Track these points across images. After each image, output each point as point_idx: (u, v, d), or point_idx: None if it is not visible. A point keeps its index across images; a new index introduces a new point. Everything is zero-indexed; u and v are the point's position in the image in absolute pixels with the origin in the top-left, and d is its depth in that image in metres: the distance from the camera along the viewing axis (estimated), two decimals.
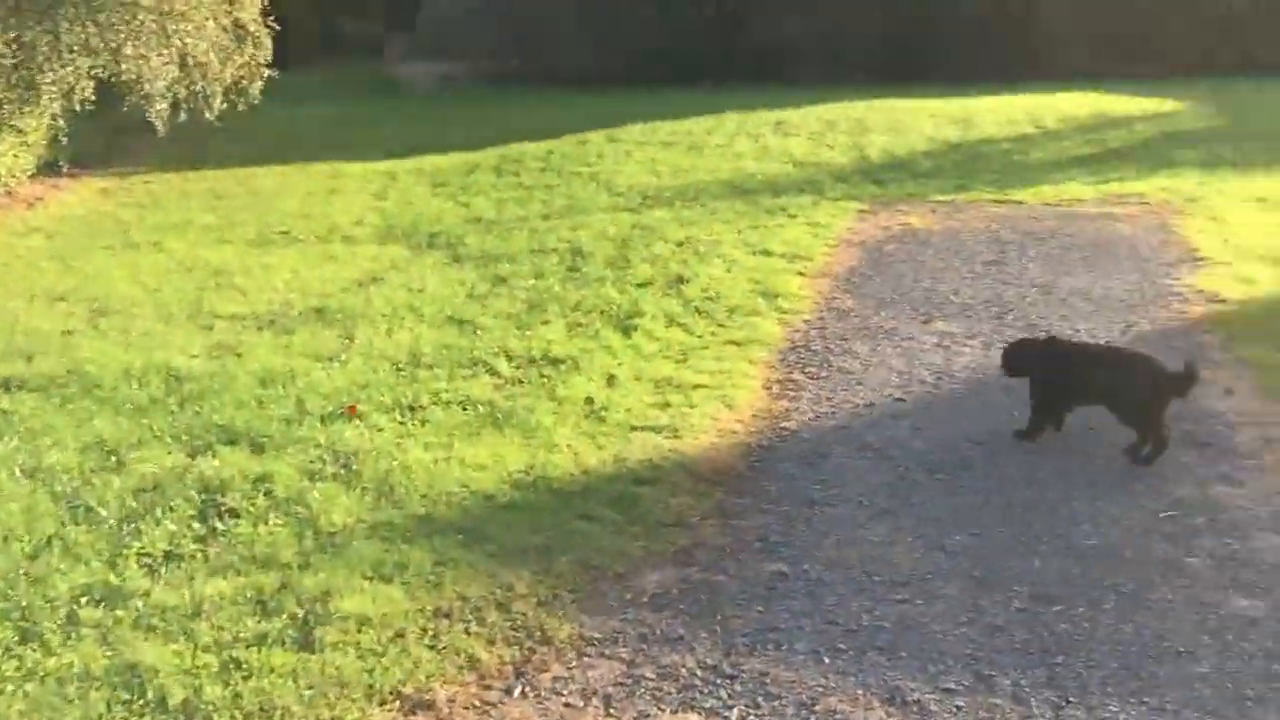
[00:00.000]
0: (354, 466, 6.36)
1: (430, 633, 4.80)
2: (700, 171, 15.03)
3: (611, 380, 7.73)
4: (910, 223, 12.19)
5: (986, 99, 19.04)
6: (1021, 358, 6.89)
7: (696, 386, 7.63)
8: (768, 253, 10.96)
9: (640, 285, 9.97)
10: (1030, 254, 10.74)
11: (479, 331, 8.83)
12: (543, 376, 7.81)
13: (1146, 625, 4.83)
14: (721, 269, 10.40)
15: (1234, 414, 6.98)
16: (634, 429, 6.94)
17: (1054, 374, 6.66)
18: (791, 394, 7.59)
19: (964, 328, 8.78)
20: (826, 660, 4.64)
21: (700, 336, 8.69)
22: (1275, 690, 4.40)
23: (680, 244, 11.32)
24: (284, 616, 4.89)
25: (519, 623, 4.89)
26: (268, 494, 6.03)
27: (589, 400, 7.35)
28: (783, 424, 7.09)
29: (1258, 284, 9.42)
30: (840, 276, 10.29)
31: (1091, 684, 4.44)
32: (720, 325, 8.94)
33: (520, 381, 7.75)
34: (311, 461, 6.44)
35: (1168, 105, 18.31)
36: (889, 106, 18.51)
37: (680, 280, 10.03)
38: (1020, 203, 12.93)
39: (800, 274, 10.34)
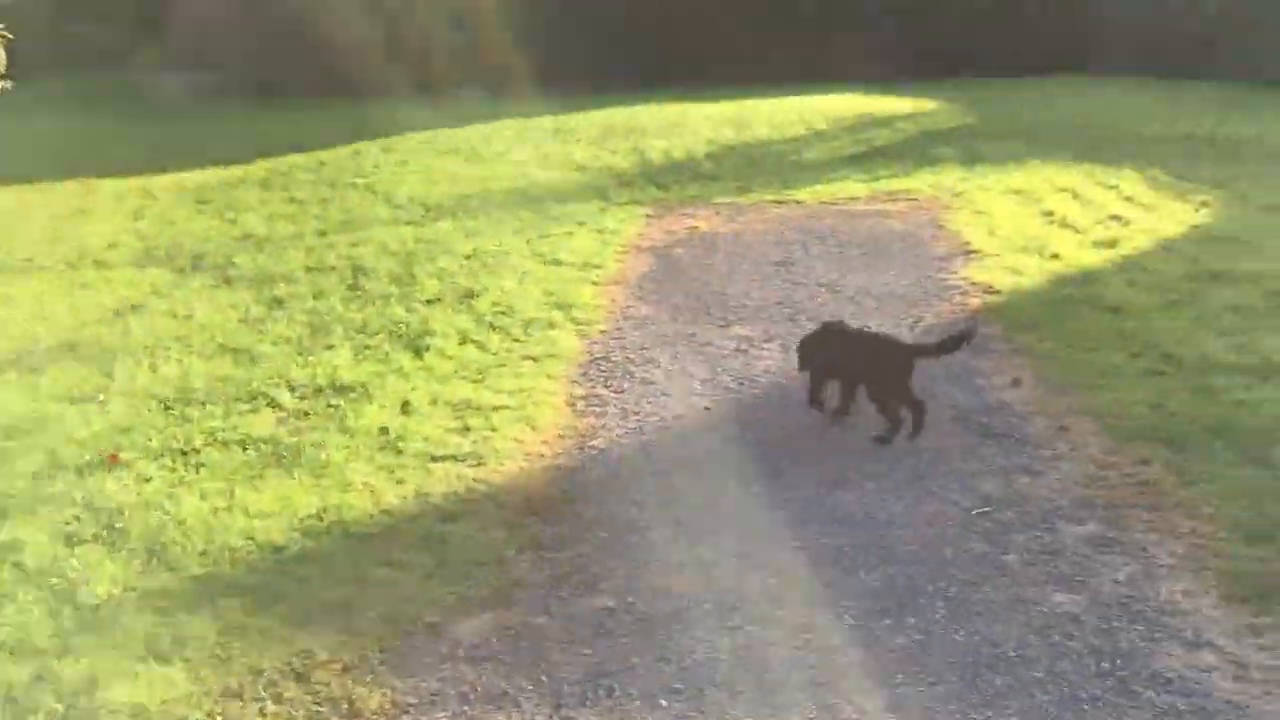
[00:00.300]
0: (119, 525, 5.61)
1: (219, 718, 4.19)
2: (482, 180, 14.52)
3: (406, 407, 7.19)
4: (697, 226, 12.06)
5: (762, 101, 19.27)
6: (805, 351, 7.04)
7: (497, 408, 7.18)
8: (559, 262, 10.59)
9: (429, 302, 9.42)
10: (814, 253, 10.76)
11: (256, 360, 8.10)
12: (331, 407, 7.19)
13: (977, 631, 4.71)
14: (513, 281, 9.95)
15: (1023, 404, 7.05)
16: (435, 459, 6.44)
17: (826, 357, 6.93)
18: (597, 410, 7.23)
19: (760, 331, 8.64)
20: (664, 703, 4.30)
21: (496, 353, 8.23)
22: (1108, 689, 4.33)
23: (468, 257, 10.81)
24: (40, 715, 4.17)
25: (322, 694, 4.33)
26: (15, 565, 5.23)
27: (384, 430, 6.79)
28: (591, 443, 6.72)
29: (1025, 274, 9.67)
30: (633, 284, 10.02)
31: (934, 703, 4.26)
32: (516, 340, 8.51)
33: (306, 414, 7.11)
34: (67, 522, 5.65)
35: (926, 105, 18.97)
36: (665, 110, 18.47)
37: (471, 295, 9.53)
38: (799, 202, 13.02)
39: (594, 283, 10.01)
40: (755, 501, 5.95)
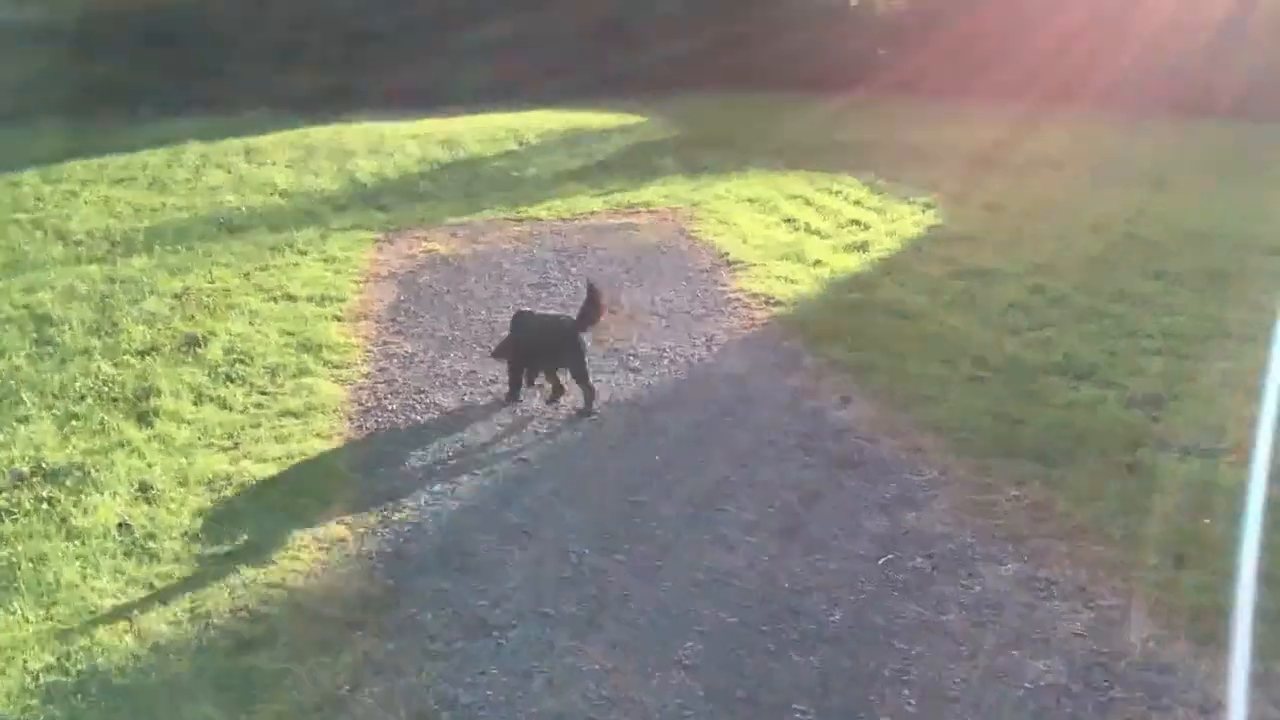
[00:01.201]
0: None
1: None
2: (172, 210, 12.43)
3: (146, 492, 5.50)
4: (436, 248, 10.71)
5: (463, 119, 18.03)
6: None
7: (267, 483, 5.64)
8: (291, 297, 8.96)
9: (142, 354, 7.59)
10: (574, 271, 9.70)
11: None
12: (43, 501, 5.38)
13: None
14: (242, 323, 8.26)
15: (863, 424, 6.33)
16: (203, 561, 4.86)
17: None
18: (391, 473, 5.83)
19: None
20: None
21: (245, 411, 6.63)
22: None
23: (179, 296, 8.96)
24: None
25: None
26: None
27: (123, 527, 5.11)
28: (398, 516, 5.34)
29: (799, 282, 9.08)
30: (384, 317, 8.58)
31: None
32: (264, 393, 6.92)
33: (11, 513, 5.28)
34: None
35: (633, 119, 18.41)
36: (364, 130, 16.84)
37: (194, 342, 7.77)
38: (538, 219, 11.94)
39: (337, 318, 8.49)
40: (623, 571, 4.80)
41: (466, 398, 6.85)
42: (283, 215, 12.10)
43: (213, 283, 9.44)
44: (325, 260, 10.23)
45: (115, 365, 7.32)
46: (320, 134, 16.39)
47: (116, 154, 15.39)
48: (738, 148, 15.79)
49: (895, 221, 11.22)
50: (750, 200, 12.49)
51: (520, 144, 16.16)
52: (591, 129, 17.48)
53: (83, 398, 6.76)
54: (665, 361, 7.29)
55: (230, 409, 6.64)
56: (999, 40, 19.74)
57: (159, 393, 6.79)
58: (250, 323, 8.27)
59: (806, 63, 21.63)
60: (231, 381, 7.04)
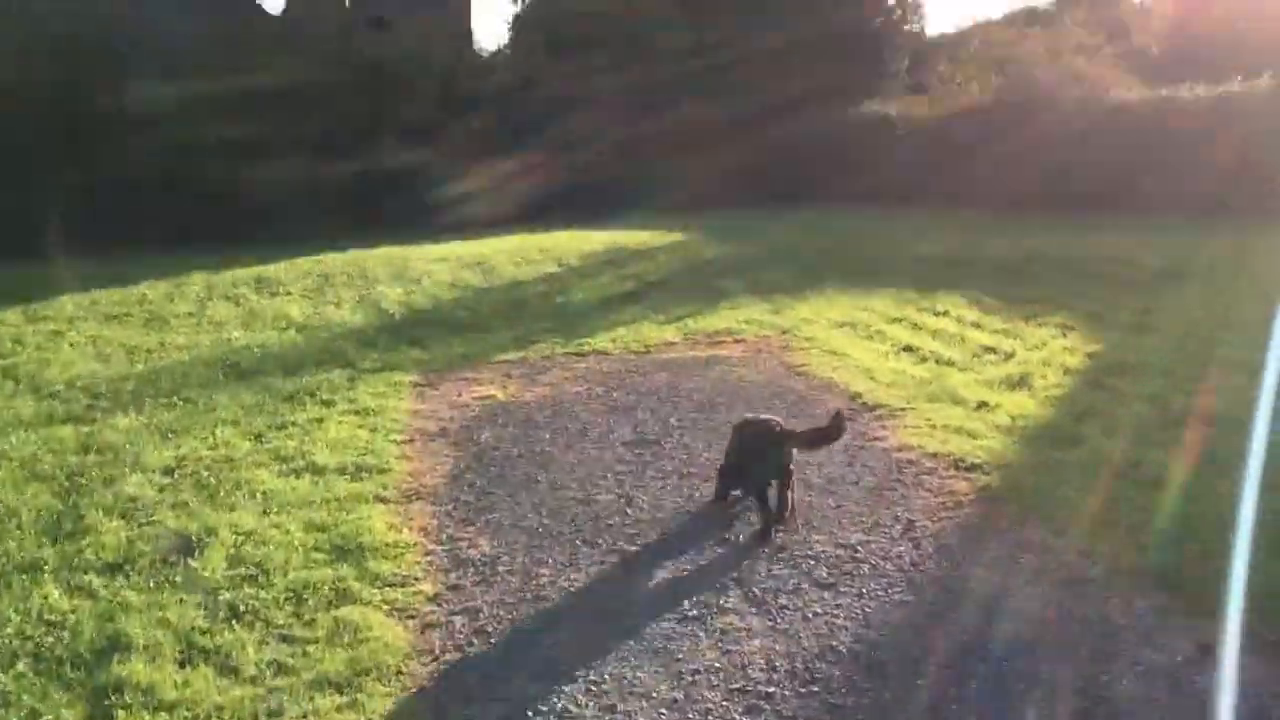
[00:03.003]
0: None
1: None
2: (171, 351, 10.03)
3: None
4: (491, 394, 8.30)
5: (489, 241, 15.85)
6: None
7: None
8: (317, 468, 6.49)
9: (113, 568, 5.10)
10: (674, 423, 7.30)
11: None
12: None
13: None
14: (254, 512, 5.77)
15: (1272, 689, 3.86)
16: None
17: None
18: None
19: (691, 565, 5.03)
20: None
21: (258, 680, 4.10)
22: None
23: (170, 471, 6.51)
24: None
25: None
26: None
27: None
28: None
29: (979, 435, 6.64)
30: (444, 495, 6.10)
31: None
32: (287, 638, 4.39)
33: None
34: None
35: (673, 236, 16.26)
36: (384, 254, 14.61)
37: (186, 549, 5.29)
38: (604, 353, 9.57)
39: (381, 499, 6.01)
40: None
41: (585, 635, 4.34)
42: (300, 355, 9.71)
43: (215, 449, 6.97)
44: (357, 413, 7.80)
45: (69, 594, 4.82)
46: (336, 260, 14.14)
47: (114, 287, 13.13)
48: (802, 264, 13.61)
49: (1039, 348, 8.88)
50: (848, 325, 10.18)
51: (560, 265, 13.92)
52: (631, 247, 15.30)
53: (12, 662, 4.23)
54: (865, 569, 4.80)
55: (236, 674, 4.11)
56: (1059, 151, 17.81)
57: (127, 648, 4.27)
58: (265, 511, 5.78)
59: (855, 175, 19.74)
60: (237, 619, 4.53)
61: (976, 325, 9.91)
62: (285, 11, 23.73)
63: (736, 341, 9.74)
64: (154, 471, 6.51)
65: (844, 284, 12.12)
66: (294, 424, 7.48)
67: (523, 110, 21.86)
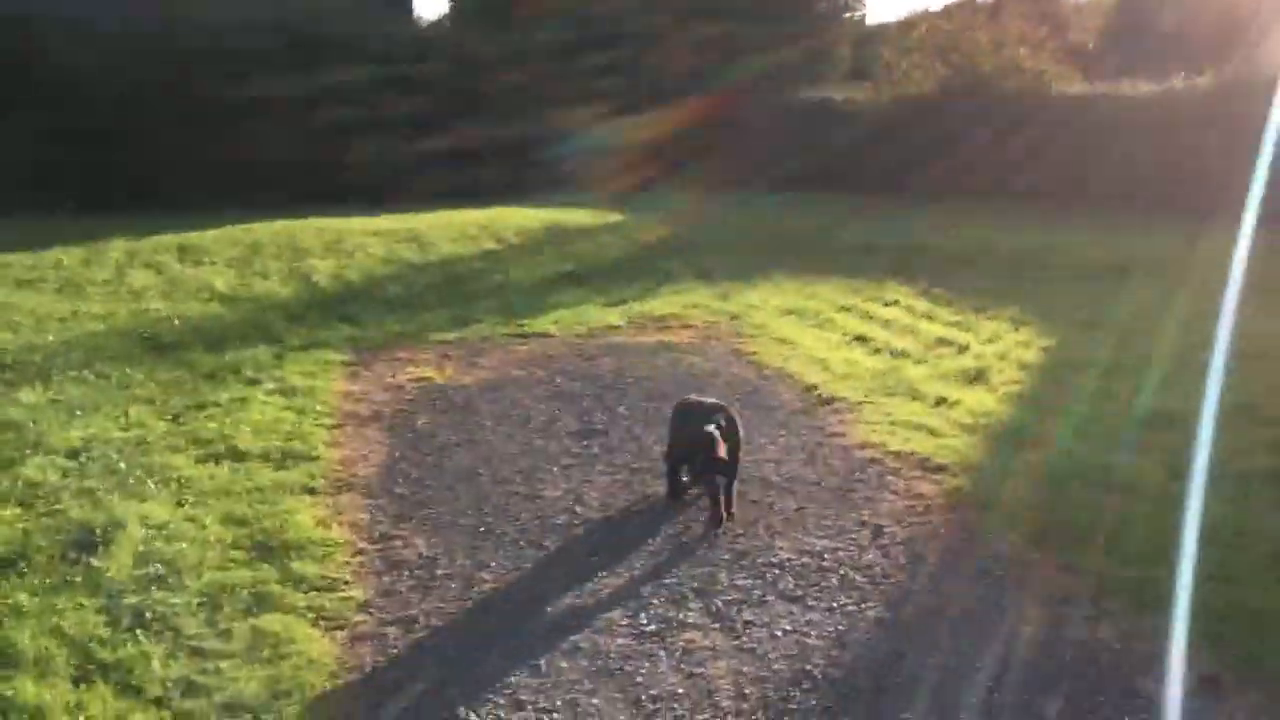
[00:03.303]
0: None
1: None
2: (85, 320, 9.33)
3: None
4: (428, 376, 7.80)
5: (427, 215, 15.21)
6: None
7: None
8: (239, 454, 5.95)
9: (3, 565, 4.54)
10: (621, 412, 6.88)
11: None
12: None
13: None
14: (166, 503, 5.24)
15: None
16: None
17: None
18: None
19: (647, 567, 4.62)
20: None
21: (163, 702, 3.61)
22: None
23: (77, 455, 5.91)
24: None
25: None
26: None
27: None
28: None
29: (941, 432, 6.31)
30: (376, 487, 5.62)
31: None
32: (198, 651, 3.89)
33: None
34: None
35: (612, 216, 15.79)
36: (317, 225, 13.90)
37: (88, 541, 4.72)
38: (546, 334, 9.11)
39: (309, 490, 5.50)
40: None
41: (536, 657, 3.92)
42: (224, 328, 9.09)
43: (127, 429, 6.39)
44: (283, 393, 7.25)
45: None
46: (266, 230, 13.43)
47: (27, 250, 12.29)
48: (747, 250, 13.24)
49: (993, 342, 8.63)
50: (795, 313, 9.85)
51: (498, 243, 13.39)
52: (570, 226, 14.81)
53: None
54: (834, 580, 4.43)
55: (139, 693, 3.61)
56: (1003, 143, 17.69)
57: (14, 662, 3.75)
58: (179, 503, 5.24)
59: (796, 160, 19.42)
60: (143, 628, 4.02)
61: (928, 317, 9.64)
62: None
63: (684, 327, 9.35)
64: (59, 453, 5.92)
65: (790, 270, 11.78)
66: (215, 404, 6.91)
67: (459, 85, 21.12)
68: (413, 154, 19.52)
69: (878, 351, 8.39)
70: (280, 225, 13.70)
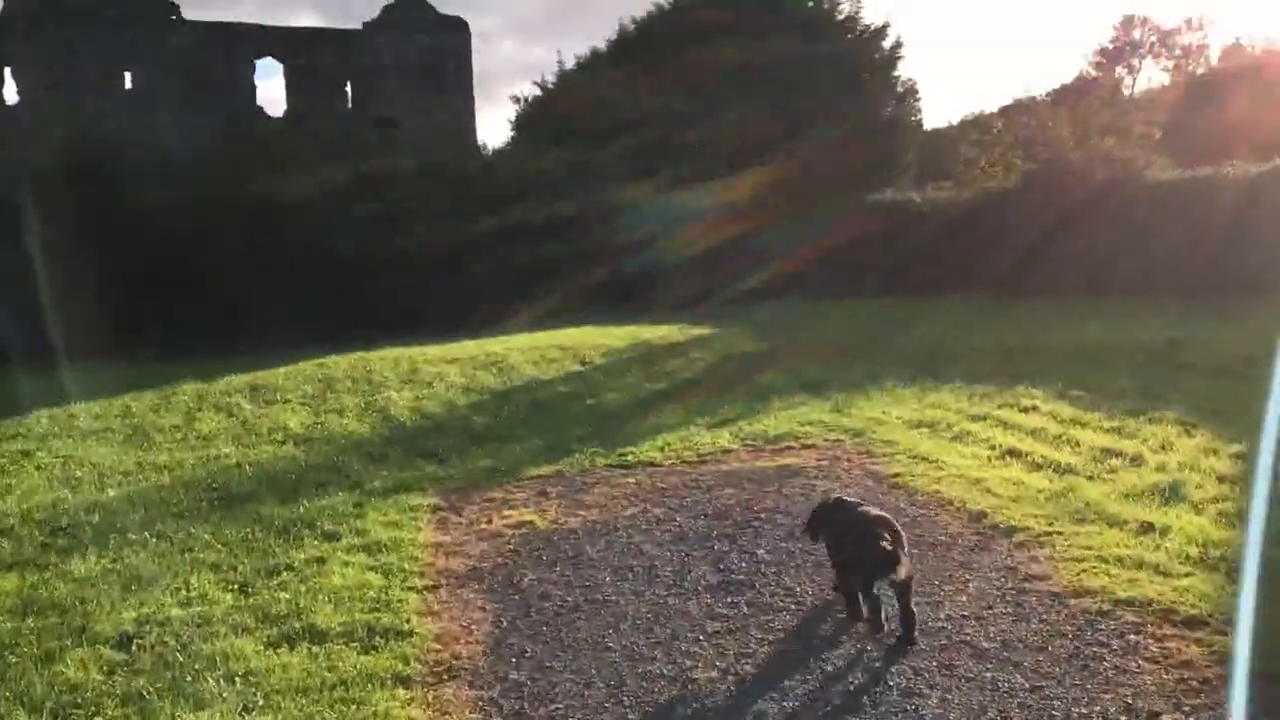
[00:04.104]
0: None
1: None
2: (150, 473, 8.43)
3: None
4: (528, 519, 6.67)
5: (500, 340, 14.34)
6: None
7: None
8: (317, 633, 4.84)
9: None
10: (763, 557, 5.68)
11: None
12: None
13: None
14: (229, 709, 4.13)
15: None
16: None
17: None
18: None
19: None
20: None
21: None
22: None
23: (127, 643, 4.81)
24: None
25: None
26: None
27: None
28: None
29: (1171, 572, 4.97)
30: (486, 673, 4.44)
31: None
32: None
33: None
34: None
35: (697, 330, 14.78)
36: (391, 356, 13.06)
37: None
38: (653, 463, 7.98)
39: (401, 680, 4.35)
40: None
41: None
42: (299, 473, 8.10)
43: (188, 605, 5.33)
44: (366, 549, 6.16)
45: None
46: (340, 364, 12.60)
47: (98, 398, 11.57)
48: (847, 358, 12.10)
49: (1169, 450, 7.32)
50: (925, 425, 8.63)
51: (583, 364, 12.39)
52: (656, 343, 13.80)
53: None
54: None
55: None
56: (1096, 234, 16.53)
57: None
58: (245, 708, 4.13)
59: (876, 264, 18.42)
60: None
61: (1077, 423, 8.36)
62: (287, 114, 22.65)
63: (805, 448, 8.17)
64: (107, 642, 4.86)
65: (902, 379, 10.57)
66: (289, 567, 5.84)
67: (523, 209, 20.59)
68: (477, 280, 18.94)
69: (1038, 468, 7.12)
70: (355, 358, 12.89)
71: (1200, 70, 39.43)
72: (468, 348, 13.48)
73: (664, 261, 19.81)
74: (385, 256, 18.89)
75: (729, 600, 5.09)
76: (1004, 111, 27.81)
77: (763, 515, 6.43)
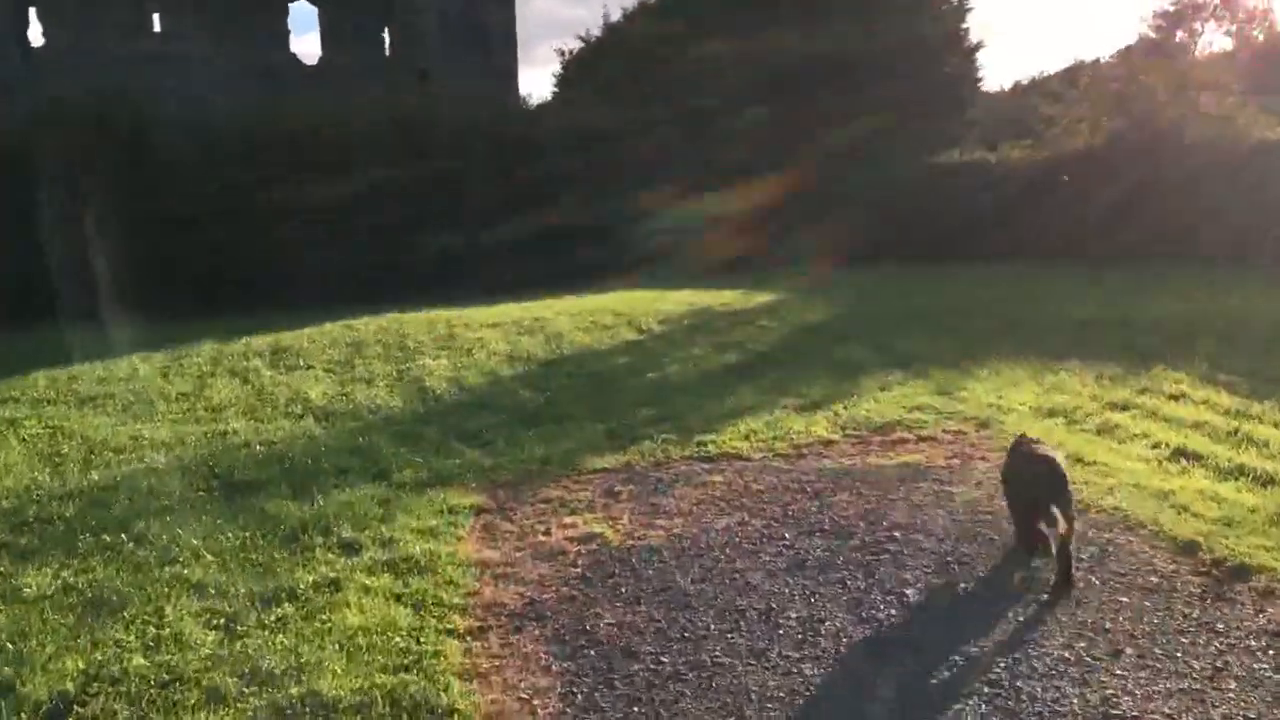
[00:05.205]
0: None
1: None
2: (146, 450, 6.99)
3: None
4: (597, 531, 5.17)
5: (546, 303, 12.83)
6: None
7: None
8: (321, 707, 3.38)
9: None
10: (913, 600, 4.16)
11: None
12: None
13: None
14: None
15: None
16: None
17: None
18: None
19: None
20: None
21: None
22: None
23: (64, 710, 3.46)
24: None
25: None
26: None
27: None
28: None
29: None
30: None
31: None
32: None
33: None
34: None
35: (761, 296, 13.18)
36: (427, 319, 11.56)
37: None
38: (740, 456, 6.43)
39: None
40: None
41: None
42: (316, 457, 6.63)
43: (155, 652, 3.89)
44: (393, 569, 4.69)
45: None
46: (370, 326, 11.12)
47: (104, 359, 10.18)
48: (934, 328, 10.46)
49: None
50: (1061, 415, 7.05)
51: (640, 331, 10.82)
52: (719, 309, 12.21)
53: None
54: None
55: None
56: (1190, 197, 14.73)
57: None
58: None
59: (946, 227, 16.69)
60: None
61: (1247, 415, 6.74)
62: (322, 59, 21.09)
63: (922, 439, 6.60)
64: (35, 713, 3.42)
65: (1006, 355, 8.96)
66: (292, 595, 4.37)
67: (571, 161, 18.96)
68: (508, 237, 17.43)
69: (1230, 475, 5.54)
70: (388, 319, 11.41)
71: (1261, 35, 36.96)
72: (510, 311, 11.96)
73: (712, 222, 18.18)
74: (430, 212, 17.44)
75: (886, 668, 3.58)
76: (1068, 73, 25.81)
77: (897, 535, 4.90)
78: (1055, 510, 4.14)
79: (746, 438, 6.79)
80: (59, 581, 4.65)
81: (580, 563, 4.76)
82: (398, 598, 4.35)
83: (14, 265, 15.15)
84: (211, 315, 13.42)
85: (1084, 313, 11.14)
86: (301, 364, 9.56)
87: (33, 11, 18.38)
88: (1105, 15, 70.96)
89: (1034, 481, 4.36)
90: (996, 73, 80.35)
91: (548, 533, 5.19)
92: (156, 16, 18.89)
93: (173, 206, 16.50)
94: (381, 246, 16.82)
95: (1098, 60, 26.63)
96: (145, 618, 4.18)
